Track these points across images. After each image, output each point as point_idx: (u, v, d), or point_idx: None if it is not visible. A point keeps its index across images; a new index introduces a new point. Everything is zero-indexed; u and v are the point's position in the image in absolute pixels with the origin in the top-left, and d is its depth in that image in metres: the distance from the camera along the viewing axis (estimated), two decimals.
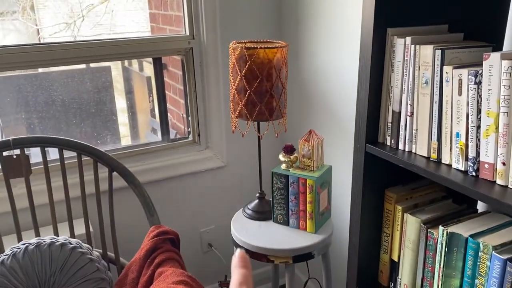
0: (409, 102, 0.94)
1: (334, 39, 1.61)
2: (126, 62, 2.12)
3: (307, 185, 1.43)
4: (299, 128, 1.94)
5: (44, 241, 1.29)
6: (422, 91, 0.91)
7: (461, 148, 0.85)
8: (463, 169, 0.86)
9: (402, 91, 0.96)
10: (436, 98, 0.89)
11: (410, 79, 0.93)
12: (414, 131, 0.95)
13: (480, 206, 1.17)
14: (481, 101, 0.80)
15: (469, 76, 0.81)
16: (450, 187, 0.84)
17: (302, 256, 1.42)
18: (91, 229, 1.54)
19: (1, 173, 1.45)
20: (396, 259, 1.11)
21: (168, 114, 2.00)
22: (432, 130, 0.91)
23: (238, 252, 0.49)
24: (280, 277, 2.09)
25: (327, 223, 1.54)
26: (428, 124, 0.92)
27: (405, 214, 1.06)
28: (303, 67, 1.82)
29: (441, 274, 0.98)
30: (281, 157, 1.50)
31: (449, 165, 0.89)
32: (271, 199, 1.55)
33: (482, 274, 0.89)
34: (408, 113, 0.95)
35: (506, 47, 1.07)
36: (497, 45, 1.04)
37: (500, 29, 1.05)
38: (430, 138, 0.92)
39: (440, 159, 0.91)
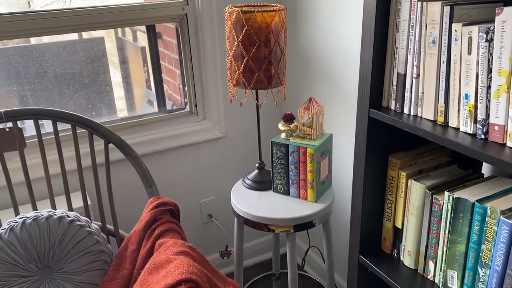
0: (415, 63, 0.90)
1: (334, 2, 1.55)
2: (120, 32, 2.05)
3: (308, 154, 1.40)
4: (298, 96, 1.90)
5: (42, 215, 1.27)
6: (429, 51, 0.87)
7: (470, 110, 0.82)
8: (471, 132, 0.83)
9: (408, 52, 0.91)
10: (444, 58, 0.85)
11: (417, 38, 0.89)
12: (420, 94, 0.91)
13: (486, 171, 1.14)
14: (492, 59, 0.76)
15: (480, 33, 0.77)
16: (458, 150, 0.81)
17: (303, 225, 1.41)
18: (89, 202, 1.52)
19: None
20: (399, 226, 1.09)
21: (164, 85, 1.95)
22: (439, 92, 0.87)
23: None
24: (281, 246, 2.09)
25: (328, 192, 1.52)
26: (435, 86, 0.88)
27: (409, 180, 1.03)
28: (302, 32, 1.77)
29: (446, 240, 0.96)
30: (281, 126, 1.47)
31: (457, 129, 0.86)
32: (271, 169, 1.52)
33: (489, 239, 0.87)
34: (414, 75, 0.91)
35: None
36: (509, 0, 0.99)
37: None
38: (436, 101, 0.89)
39: (447, 122, 0.88)
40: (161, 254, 1.20)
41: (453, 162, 1.10)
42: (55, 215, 1.28)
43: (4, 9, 1.73)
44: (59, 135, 1.43)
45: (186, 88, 1.87)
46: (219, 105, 1.88)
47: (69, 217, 1.29)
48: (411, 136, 0.91)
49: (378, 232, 1.16)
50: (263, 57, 1.37)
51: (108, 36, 1.89)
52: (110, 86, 1.85)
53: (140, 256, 1.28)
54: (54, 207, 1.44)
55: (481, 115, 0.80)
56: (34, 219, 1.26)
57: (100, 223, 1.45)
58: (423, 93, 0.91)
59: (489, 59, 0.77)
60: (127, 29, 2.08)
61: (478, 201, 0.88)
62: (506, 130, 0.77)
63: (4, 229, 1.25)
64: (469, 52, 0.80)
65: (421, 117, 0.93)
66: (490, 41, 0.76)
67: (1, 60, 1.60)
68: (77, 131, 1.43)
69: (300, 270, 2.08)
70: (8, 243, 1.23)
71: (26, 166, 1.40)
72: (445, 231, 0.96)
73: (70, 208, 1.45)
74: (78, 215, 1.33)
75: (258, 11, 1.32)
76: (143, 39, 1.95)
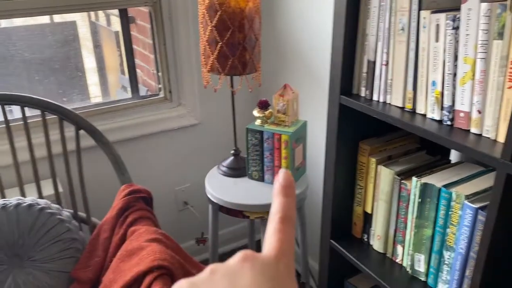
0: (384, 50, 0.91)
1: None
2: (93, 16, 2.00)
3: (282, 140, 1.40)
4: (274, 83, 1.89)
5: (10, 203, 1.25)
6: (398, 38, 0.88)
7: (437, 97, 0.83)
8: (438, 118, 0.84)
9: (377, 39, 0.92)
10: (412, 45, 0.86)
11: (386, 25, 0.89)
12: (389, 81, 0.92)
13: (454, 157, 1.17)
14: (458, 47, 0.77)
15: (447, 21, 0.78)
16: (425, 137, 0.82)
17: None
18: (60, 190, 1.49)
19: None
20: (369, 211, 1.11)
21: (138, 70, 1.91)
22: (408, 79, 0.89)
23: (282, 173, 0.36)
24: (256, 232, 2.10)
25: (302, 178, 1.53)
26: (403, 73, 0.89)
27: (378, 166, 1.05)
28: (277, 18, 1.76)
29: (413, 224, 0.98)
30: (256, 112, 1.46)
31: (424, 115, 0.87)
32: (246, 155, 1.52)
33: (453, 223, 0.90)
34: (384, 62, 0.92)
35: None
36: None
37: None
38: (405, 88, 0.90)
39: (415, 109, 0.89)
40: (133, 241, 1.19)
41: (422, 148, 1.12)
42: (25, 202, 1.25)
43: None
44: (28, 121, 1.39)
45: (160, 74, 1.84)
46: (194, 92, 1.86)
47: (39, 204, 1.27)
48: (381, 122, 0.92)
49: (349, 217, 1.18)
50: (237, 43, 1.36)
51: (82, 21, 1.84)
52: (82, 72, 1.81)
53: (112, 243, 1.27)
54: (23, 195, 1.41)
55: (447, 102, 0.82)
56: (2, 207, 1.23)
57: (71, 211, 1.43)
58: (392, 80, 0.92)
59: (455, 47, 0.78)
60: (101, 14, 2.03)
61: (444, 186, 0.90)
62: (471, 117, 0.79)
63: None
64: (437, 40, 0.81)
65: (390, 104, 0.94)
66: (456, 28, 0.77)
67: None
68: (47, 117, 1.39)
69: None
70: None
71: None
72: (412, 215, 0.98)
73: (41, 196, 1.43)
74: (49, 202, 1.31)
75: None
76: (117, 23, 1.91)
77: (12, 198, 1.27)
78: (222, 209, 1.47)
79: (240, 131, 1.96)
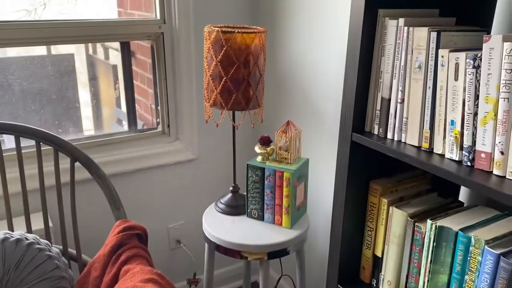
0: (400, 88, 0.89)
1: (313, 26, 1.56)
2: (90, 50, 1.99)
3: (284, 178, 1.37)
4: (275, 119, 1.87)
5: None
6: (415, 76, 0.86)
7: (456, 136, 0.81)
8: (457, 159, 0.82)
9: (392, 77, 0.90)
10: (430, 83, 0.84)
11: (402, 63, 0.88)
12: (404, 119, 0.90)
13: (464, 200, 1.14)
14: (479, 86, 0.76)
15: (467, 60, 0.77)
16: (444, 177, 0.79)
17: (277, 252, 1.36)
18: (50, 224, 1.42)
19: None
20: (379, 255, 1.06)
21: (135, 105, 1.88)
22: (425, 118, 0.86)
23: None
24: (252, 273, 2.02)
25: (303, 218, 1.49)
26: (420, 111, 0.87)
27: (390, 208, 1.01)
28: (280, 55, 1.76)
29: (428, 270, 0.93)
30: (257, 149, 1.43)
31: (442, 155, 0.85)
32: (245, 193, 1.47)
33: (472, 269, 0.85)
34: (399, 100, 0.90)
35: (493, 32, 1.03)
36: (488, 32, 1.01)
37: (489, 15, 1.02)
38: (422, 127, 0.87)
39: (432, 148, 0.86)
40: (127, 281, 1.12)
41: (433, 190, 1.08)
42: (12, 237, 1.18)
43: None
44: (22, 151, 1.34)
45: (159, 108, 1.82)
46: (192, 126, 1.83)
47: (27, 239, 1.20)
48: (392, 162, 0.89)
49: (357, 260, 1.13)
50: (242, 78, 1.34)
51: (78, 54, 1.82)
52: (78, 103, 1.77)
53: (103, 283, 1.19)
54: (11, 228, 1.33)
55: (467, 142, 0.79)
56: None
57: (61, 247, 1.36)
58: (407, 118, 0.89)
59: (476, 86, 0.77)
60: (99, 47, 2.02)
61: (461, 230, 0.87)
62: (493, 158, 0.76)
63: None
64: (456, 78, 0.79)
65: (405, 142, 0.91)
66: (477, 67, 0.76)
67: None
68: (42, 148, 1.34)
69: None
70: None
71: None
72: (427, 260, 0.93)
73: (30, 230, 1.35)
74: (38, 237, 1.23)
75: (238, 32, 1.30)
76: (115, 57, 1.89)
77: (0, 231, 1.20)
78: (219, 249, 1.40)
79: (239, 167, 1.92)
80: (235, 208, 1.52)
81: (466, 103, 0.78)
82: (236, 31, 1.30)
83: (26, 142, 1.48)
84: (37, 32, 1.47)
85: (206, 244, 1.47)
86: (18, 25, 1.44)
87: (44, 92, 1.64)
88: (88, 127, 1.87)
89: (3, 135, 1.46)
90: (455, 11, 0.98)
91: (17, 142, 1.33)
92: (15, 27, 1.43)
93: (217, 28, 1.32)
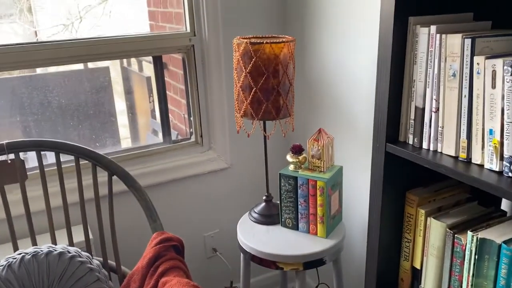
0: (434, 97, 0.87)
1: (343, 33, 1.54)
2: (125, 63, 2.04)
3: (318, 187, 1.35)
4: (306, 127, 1.86)
5: (41, 250, 1.22)
6: (449, 85, 0.84)
7: (495, 146, 0.78)
8: (497, 169, 0.79)
9: (426, 85, 0.88)
10: (465, 92, 0.81)
11: (435, 71, 0.85)
12: (440, 129, 0.87)
13: (506, 208, 1.09)
14: None
15: (505, 67, 0.74)
16: (484, 189, 0.76)
17: (313, 262, 1.35)
18: (90, 236, 1.46)
19: None
20: (418, 267, 1.04)
21: (169, 115, 1.92)
22: (461, 127, 0.84)
23: None
24: (289, 282, 2.01)
25: (339, 227, 1.47)
26: (456, 120, 0.84)
27: (428, 218, 0.98)
28: (310, 63, 1.75)
29: (470, 283, 0.90)
30: (289, 157, 1.43)
31: (481, 165, 0.82)
32: (278, 202, 1.47)
33: None
34: (433, 109, 0.87)
35: None
36: None
37: None
38: (458, 136, 0.85)
39: (470, 158, 0.84)
40: None
41: (473, 198, 1.05)
42: (55, 251, 1.22)
43: (11, 40, 1.73)
44: (62, 166, 1.39)
45: (191, 118, 1.84)
46: (224, 136, 1.84)
47: (69, 252, 1.24)
48: (428, 172, 0.87)
49: (395, 272, 1.10)
50: (272, 88, 1.34)
51: (113, 66, 1.88)
52: (114, 116, 1.82)
53: None
54: (54, 241, 1.38)
55: (508, 152, 0.76)
56: (33, 255, 1.21)
57: (101, 259, 1.40)
58: (443, 127, 0.87)
59: None
60: (133, 59, 2.07)
61: (505, 242, 0.83)
62: None
63: (2, 265, 1.19)
64: (493, 86, 0.76)
65: (441, 152, 0.88)
66: None
67: (5, 91, 1.57)
68: (81, 163, 1.39)
69: None
70: (6, 281, 1.17)
71: (27, 199, 1.35)
72: (468, 273, 0.90)
73: (71, 243, 1.40)
74: (79, 250, 1.28)
75: (266, 43, 1.30)
76: (148, 69, 1.94)
77: (44, 245, 1.25)
78: (254, 259, 1.41)
79: (272, 176, 1.92)
80: (269, 217, 1.51)
81: (505, 111, 0.75)
82: (264, 42, 1.31)
83: (66, 157, 1.53)
84: (75, 50, 1.52)
85: (241, 254, 1.48)
86: (56, 45, 1.49)
87: (81, 107, 1.70)
88: (125, 137, 1.92)
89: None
90: (491, 14, 0.94)
91: (57, 158, 1.38)
92: (54, 47, 1.49)
93: (245, 40, 1.33)
